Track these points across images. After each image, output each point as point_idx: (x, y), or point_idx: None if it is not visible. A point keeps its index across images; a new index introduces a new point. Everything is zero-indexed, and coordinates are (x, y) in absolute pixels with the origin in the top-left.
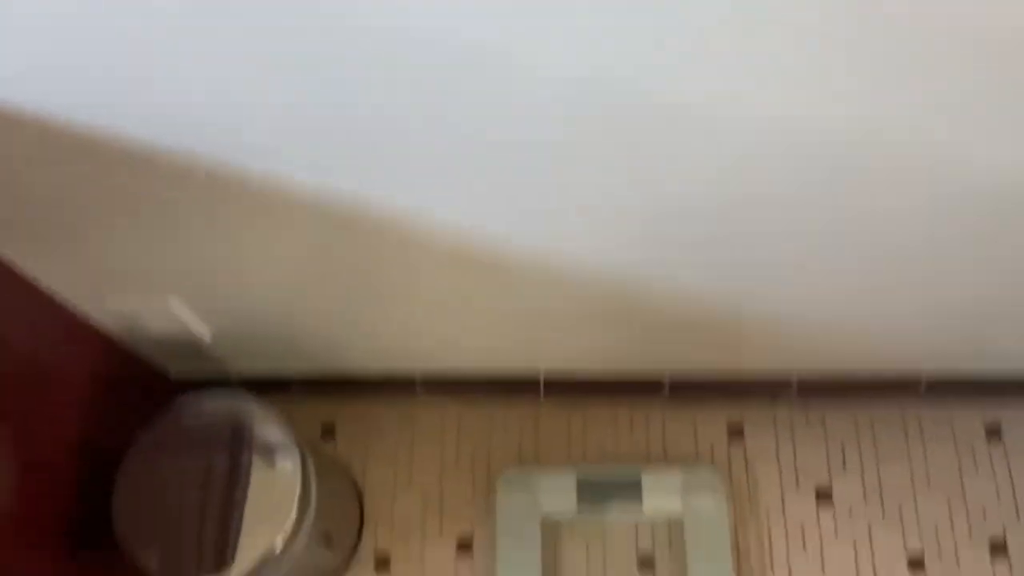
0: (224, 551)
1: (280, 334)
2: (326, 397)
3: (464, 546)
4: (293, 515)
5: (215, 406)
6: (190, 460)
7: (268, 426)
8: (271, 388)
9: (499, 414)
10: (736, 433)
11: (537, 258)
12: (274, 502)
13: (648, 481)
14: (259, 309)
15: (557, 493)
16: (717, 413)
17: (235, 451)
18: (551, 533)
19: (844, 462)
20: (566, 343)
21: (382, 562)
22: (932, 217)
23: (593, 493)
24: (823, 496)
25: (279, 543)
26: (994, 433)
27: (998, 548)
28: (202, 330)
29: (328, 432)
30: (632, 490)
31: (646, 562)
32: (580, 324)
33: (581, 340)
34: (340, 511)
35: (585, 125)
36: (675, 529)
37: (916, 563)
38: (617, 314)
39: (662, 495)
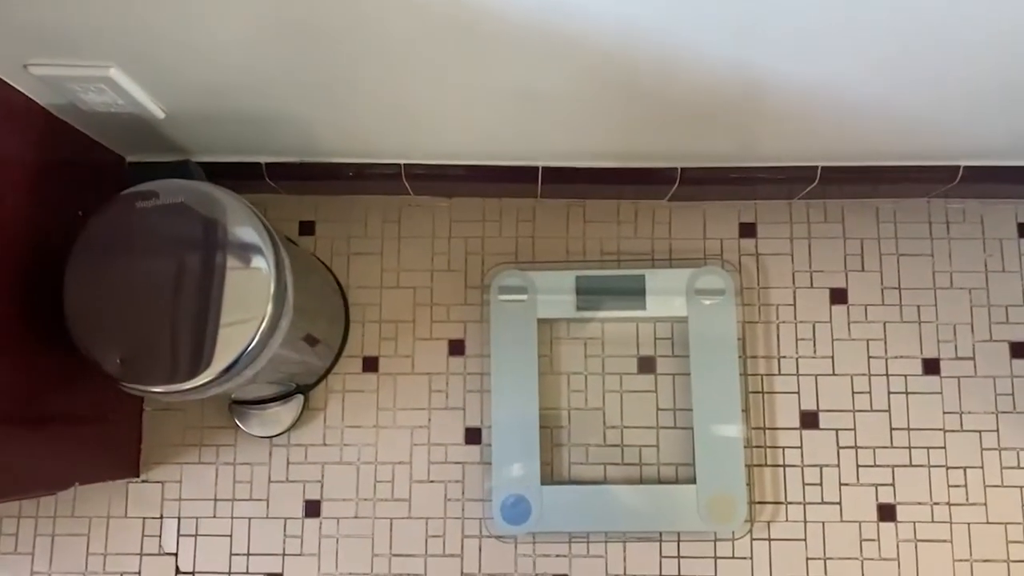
0: (194, 350)
1: (245, 114)
2: (303, 188)
3: (456, 347)
4: (268, 309)
5: (173, 190)
6: (147, 252)
7: (235, 213)
8: (240, 175)
9: (492, 207)
10: (748, 230)
11: (533, 19)
12: (247, 297)
13: (652, 280)
14: (218, 83)
15: (555, 293)
16: (728, 208)
17: (198, 241)
18: (548, 334)
19: (863, 261)
20: (566, 131)
21: (370, 362)
22: None
23: (593, 293)
24: (837, 296)
25: (254, 339)
26: None
27: (1019, 350)
28: (152, 106)
29: (306, 228)
30: (635, 290)
31: (646, 364)
32: (581, 107)
33: (582, 127)
34: (323, 310)
35: None
36: (679, 331)
37: (931, 364)
38: (622, 91)
39: (666, 295)
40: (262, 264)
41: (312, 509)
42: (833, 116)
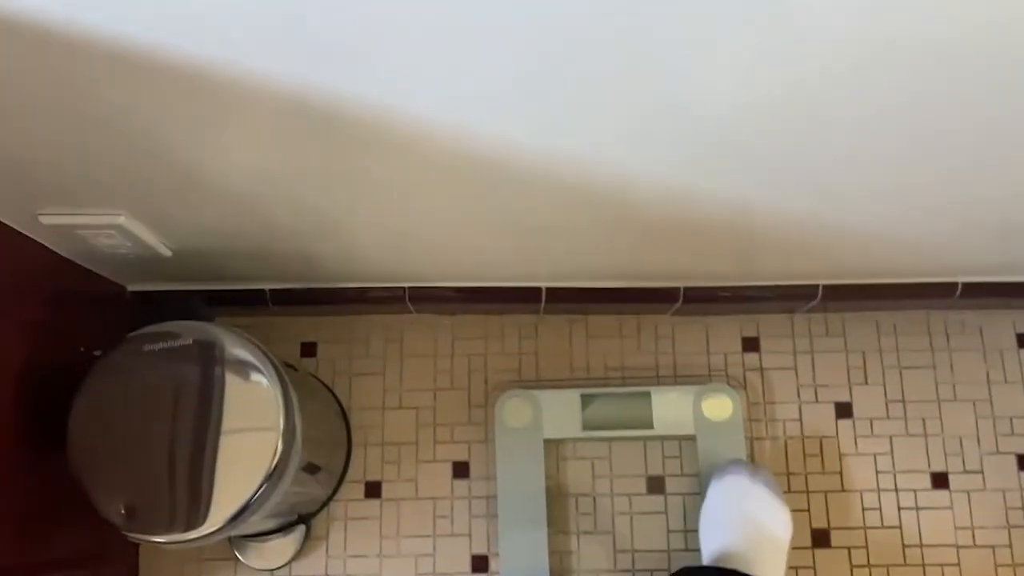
0: (201, 499)
1: (250, 249)
2: (304, 311)
3: (460, 469)
4: (275, 460)
5: (181, 333)
6: (154, 397)
7: (244, 357)
8: (243, 302)
9: (494, 324)
10: (751, 344)
11: (537, 160)
12: (255, 448)
13: (658, 398)
14: (225, 225)
15: (561, 412)
16: (730, 323)
17: (206, 387)
18: (554, 454)
19: (866, 374)
20: (566, 255)
21: (372, 487)
22: (963, 104)
23: (599, 411)
24: (843, 410)
25: (262, 487)
26: None
27: None
28: (160, 247)
29: (308, 350)
30: (641, 407)
31: (656, 484)
32: (578, 236)
33: (582, 252)
34: (325, 437)
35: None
36: (687, 447)
37: (940, 478)
38: (621, 224)
39: (673, 412)
40: (272, 416)
41: None
42: (833, 240)
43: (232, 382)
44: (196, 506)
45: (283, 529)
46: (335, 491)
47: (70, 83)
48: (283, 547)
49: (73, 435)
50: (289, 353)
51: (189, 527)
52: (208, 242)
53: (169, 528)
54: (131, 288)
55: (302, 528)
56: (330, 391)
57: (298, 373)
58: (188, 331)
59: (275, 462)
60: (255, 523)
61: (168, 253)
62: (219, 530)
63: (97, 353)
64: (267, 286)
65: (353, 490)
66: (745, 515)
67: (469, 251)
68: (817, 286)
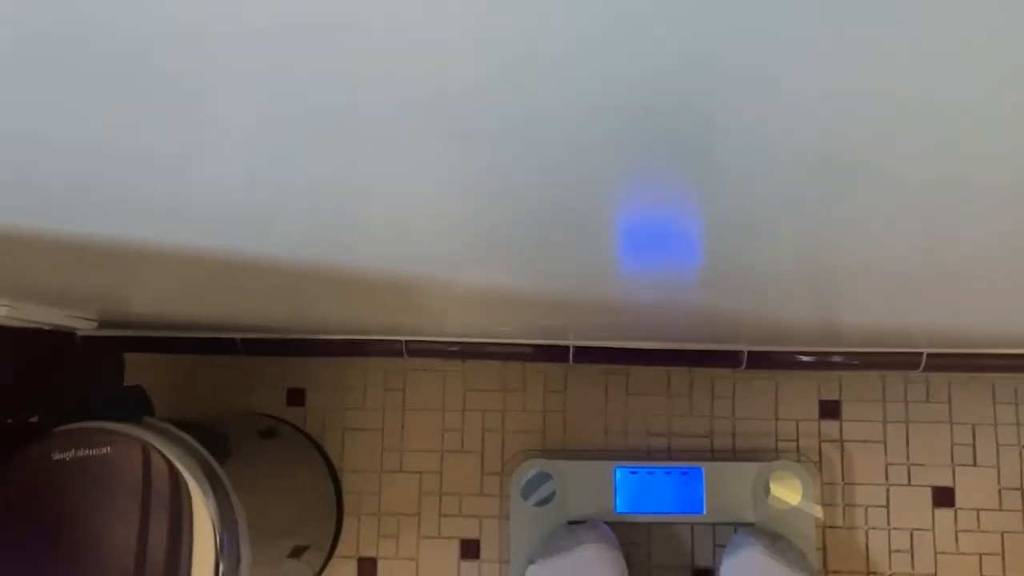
0: None
1: (213, 318)
2: (290, 355)
3: (469, 549)
4: None
5: (98, 439)
6: (66, 520)
7: (179, 474)
8: (209, 350)
9: (514, 373)
10: (831, 410)
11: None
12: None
13: (711, 476)
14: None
15: (590, 488)
16: (806, 381)
17: (128, 512)
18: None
19: (975, 453)
20: (595, 316)
21: (366, 565)
22: None
23: (637, 490)
24: (942, 497)
25: None
26: None
27: None
28: (76, 321)
29: (295, 398)
30: (690, 488)
31: None
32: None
33: (620, 320)
34: (310, 512)
35: None
36: None
37: None
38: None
39: (729, 493)
40: (205, 544)
41: None
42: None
43: (160, 513)
44: None
45: None
46: (324, 566)
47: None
48: None
49: None
50: (273, 402)
51: None
52: (147, 309)
53: None
54: (81, 334)
55: None
56: (319, 449)
57: (277, 440)
58: (107, 437)
59: None
60: None
61: (91, 326)
62: None
63: (34, 420)
64: (238, 335)
65: (344, 567)
66: None
67: (471, 321)
68: (921, 354)
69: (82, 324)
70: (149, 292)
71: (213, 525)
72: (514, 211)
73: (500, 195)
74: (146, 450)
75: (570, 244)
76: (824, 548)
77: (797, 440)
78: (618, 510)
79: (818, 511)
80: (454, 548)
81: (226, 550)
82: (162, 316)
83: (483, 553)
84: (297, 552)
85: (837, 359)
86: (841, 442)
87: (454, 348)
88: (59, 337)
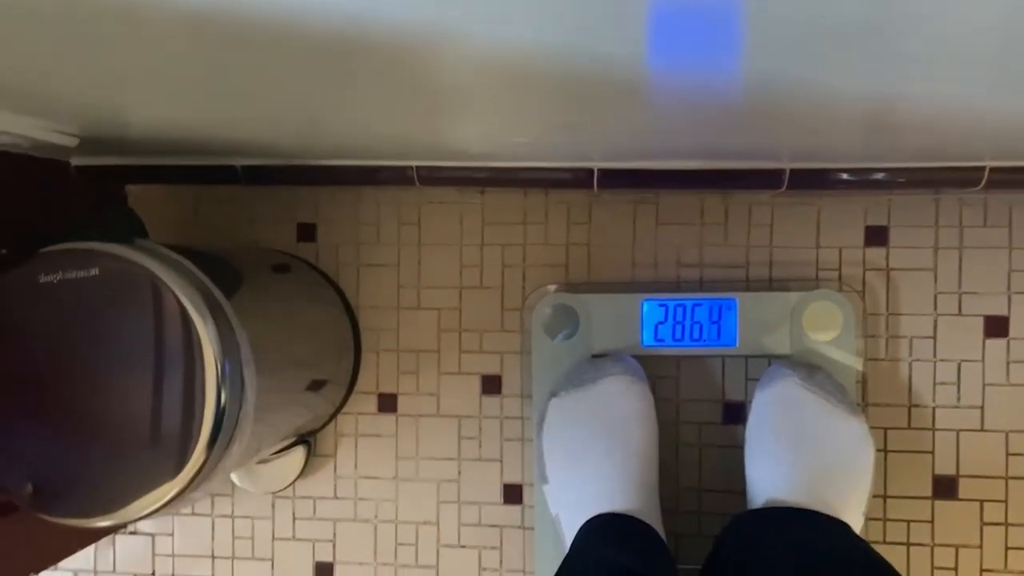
0: (117, 478)
1: (211, 135)
2: (294, 184)
3: (491, 384)
4: (208, 427)
5: (85, 259)
6: (56, 344)
7: (171, 294)
8: (207, 179)
9: (537, 204)
10: (877, 236)
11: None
12: (184, 406)
13: (745, 307)
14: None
15: (616, 322)
16: (851, 206)
17: (119, 332)
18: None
19: None
20: (625, 129)
21: (387, 400)
22: None
23: (666, 323)
24: (995, 326)
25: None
26: None
27: None
28: (59, 137)
29: (306, 233)
30: (722, 320)
31: (734, 412)
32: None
33: (650, 123)
34: (327, 348)
35: None
36: None
37: None
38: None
39: (764, 324)
40: (202, 366)
41: (324, 572)
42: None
43: (154, 329)
44: (114, 488)
45: (285, 449)
46: (344, 402)
47: None
48: (283, 469)
49: None
50: (283, 237)
51: (103, 512)
52: (135, 124)
53: (84, 512)
54: (76, 163)
55: (302, 449)
56: (334, 286)
57: (290, 275)
58: (94, 258)
59: (207, 432)
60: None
61: (73, 142)
62: (143, 516)
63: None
64: (239, 162)
65: (364, 402)
66: (800, 432)
67: (494, 130)
68: (983, 168)
69: (65, 140)
70: (131, 85)
71: (212, 349)
72: None
73: None
74: (136, 270)
75: None
76: (864, 380)
77: (840, 269)
78: (645, 343)
79: (859, 342)
80: (475, 384)
81: (228, 378)
82: (152, 131)
83: (504, 388)
84: (315, 386)
85: (884, 177)
86: (887, 270)
87: (468, 175)
88: (52, 167)
